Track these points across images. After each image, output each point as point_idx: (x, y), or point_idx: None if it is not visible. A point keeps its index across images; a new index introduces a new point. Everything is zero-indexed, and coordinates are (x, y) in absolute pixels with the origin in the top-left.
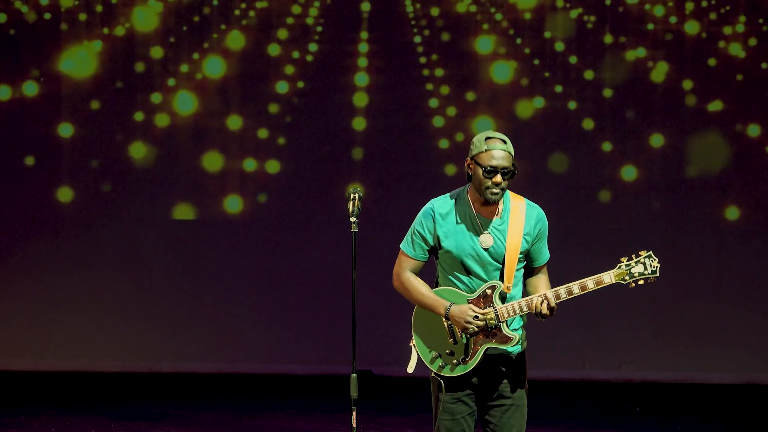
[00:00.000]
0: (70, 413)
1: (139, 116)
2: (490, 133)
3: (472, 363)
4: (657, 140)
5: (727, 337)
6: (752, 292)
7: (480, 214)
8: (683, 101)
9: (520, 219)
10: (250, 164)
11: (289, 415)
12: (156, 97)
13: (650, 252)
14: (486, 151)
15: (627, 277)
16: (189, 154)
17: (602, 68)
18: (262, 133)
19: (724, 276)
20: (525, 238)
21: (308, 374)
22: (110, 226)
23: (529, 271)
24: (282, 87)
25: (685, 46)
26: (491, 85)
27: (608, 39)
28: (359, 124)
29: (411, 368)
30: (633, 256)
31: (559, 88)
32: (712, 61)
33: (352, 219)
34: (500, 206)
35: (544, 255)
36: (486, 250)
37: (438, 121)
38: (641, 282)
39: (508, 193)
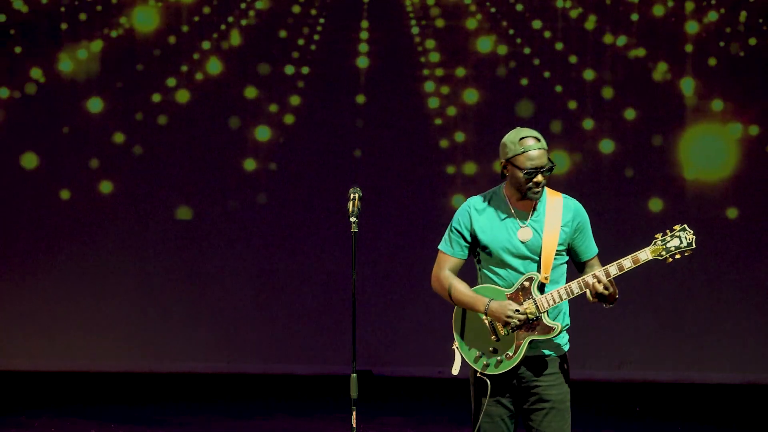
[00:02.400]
0: (70, 413)
1: (139, 116)
2: (523, 132)
3: (517, 357)
4: (657, 140)
5: (727, 337)
6: (752, 291)
7: (517, 208)
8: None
9: (557, 211)
10: (249, 164)
11: (289, 415)
12: (156, 97)
13: (684, 225)
14: (522, 153)
15: (664, 252)
16: (188, 150)
17: (586, 55)
18: (265, 129)
19: (724, 276)
20: (563, 230)
21: (308, 374)
22: (110, 226)
23: (582, 266)
24: (285, 77)
25: (659, 32)
26: (482, 70)
27: (590, 25)
28: (360, 111)
29: (456, 370)
30: (667, 231)
31: (547, 74)
32: (689, 47)
33: (352, 219)
34: (537, 201)
35: (590, 248)
36: (524, 243)
37: (433, 102)
38: (678, 256)
39: (545, 188)
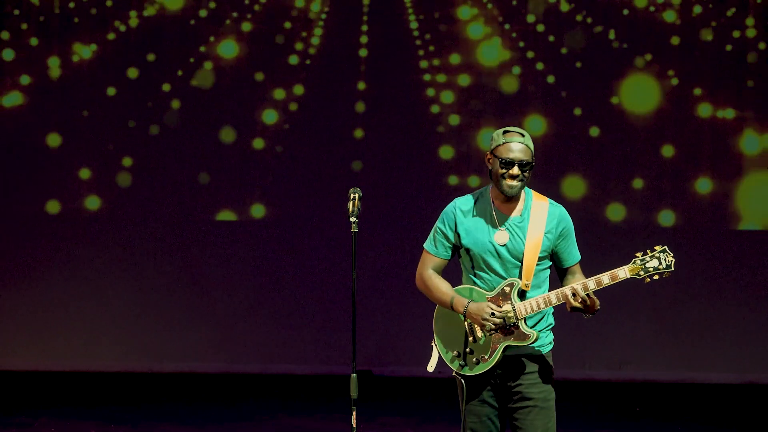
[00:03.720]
0: (70, 413)
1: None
2: (509, 128)
3: (491, 361)
4: (668, 150)
5: (727, 337)
6: (752, 292)
7: (500, 210)
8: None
9: (541, 217)
10: (251, 161)
11: (289, 415)
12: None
13: (665, 246)
14: (503, 144)
15: (642, 272)
16: (187, 150)
17: (573, 43)
18: (267, 121)
19: (724, 276)
20: (546, 236)
21: (308, 374)
22: (111, 226)
23: (563, 273)
24: (283, 80)
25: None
26: (481, 69)
27: (579, 17)
28: (360, 112)
29: (431, 367)
30: (648, 250)
31: (540, 66)
32: (675, 40)
33: (352, 219)
34: (521, 204)
35: (573, 255)
36: (504, 246)
37: (432, 97)
38: (656, 277)
39: (532, 192)
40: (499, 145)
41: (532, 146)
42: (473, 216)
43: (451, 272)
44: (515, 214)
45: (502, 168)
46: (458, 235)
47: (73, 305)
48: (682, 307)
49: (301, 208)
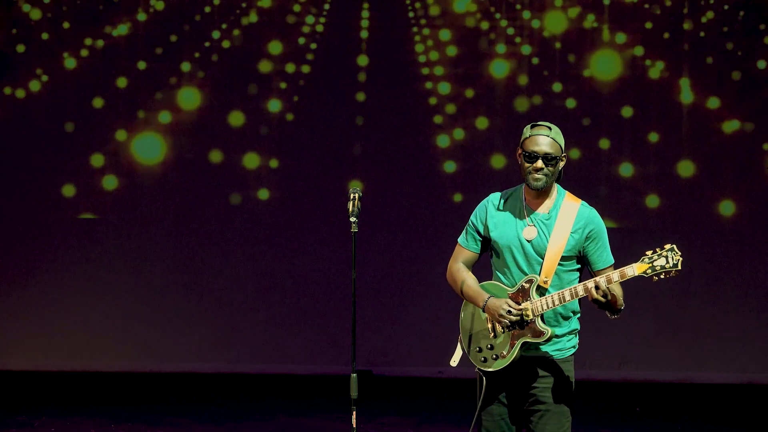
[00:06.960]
0: (70, 413)
1: (141, 114)
2: (539, 122)
3: (510, 357)
4: (653, 137)
5: (727, 337)
6: (752, 291)
7: (529, 206)
8: (676, 96)
9: (570, 216)
10: (250, 161)
11: (289, 415)
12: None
13: (673, 245)
14: (529, 137)
15: (649, 271)
16: (188, 152)
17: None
18: (263, 129)
19: (724, 276)
20: (572, 236)
21: (308, 374)
22: (110, 225)
23: (593, 276)
24: (284, 80)
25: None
26: (480, 64)
27: (572, 13)
28: (359, 118)
29: (454, 362)
30: (657, 249)
31: (535, 60)
32: (649, 25)
33: (352, 219)
34: (551, 202)
35: (604, 258)
36: (530, 241)
37: (427, 75)
38: (663, 276)
39: (566, 193)
40: (526, 138)
41: (560, 140)
42: (504, 210)
43: (482, 269)
44: (543, 210)
45: (526, 161)
46: (487, 228)
47: (73, 305)
48: (683, 306)
49: (302, 207)
